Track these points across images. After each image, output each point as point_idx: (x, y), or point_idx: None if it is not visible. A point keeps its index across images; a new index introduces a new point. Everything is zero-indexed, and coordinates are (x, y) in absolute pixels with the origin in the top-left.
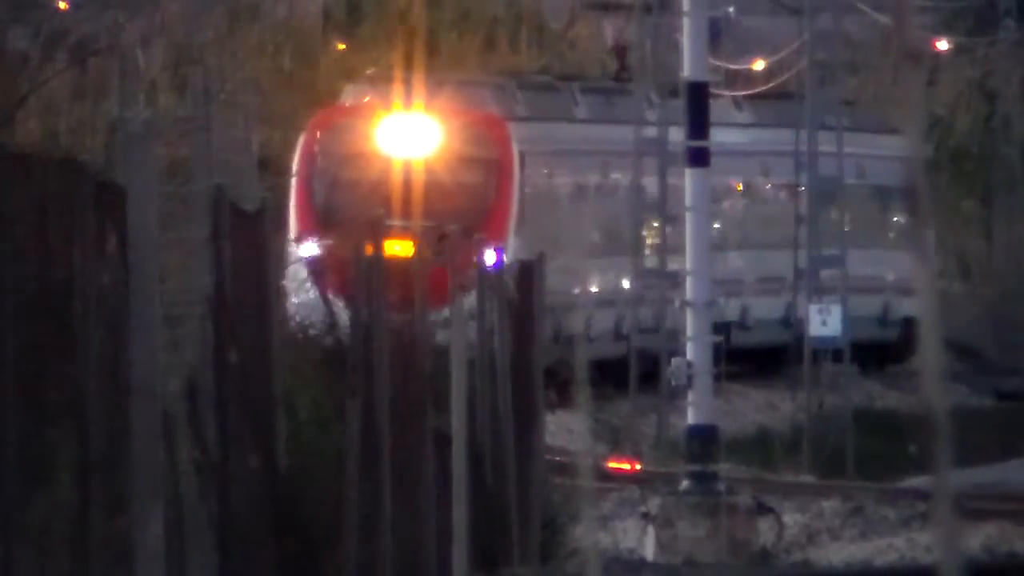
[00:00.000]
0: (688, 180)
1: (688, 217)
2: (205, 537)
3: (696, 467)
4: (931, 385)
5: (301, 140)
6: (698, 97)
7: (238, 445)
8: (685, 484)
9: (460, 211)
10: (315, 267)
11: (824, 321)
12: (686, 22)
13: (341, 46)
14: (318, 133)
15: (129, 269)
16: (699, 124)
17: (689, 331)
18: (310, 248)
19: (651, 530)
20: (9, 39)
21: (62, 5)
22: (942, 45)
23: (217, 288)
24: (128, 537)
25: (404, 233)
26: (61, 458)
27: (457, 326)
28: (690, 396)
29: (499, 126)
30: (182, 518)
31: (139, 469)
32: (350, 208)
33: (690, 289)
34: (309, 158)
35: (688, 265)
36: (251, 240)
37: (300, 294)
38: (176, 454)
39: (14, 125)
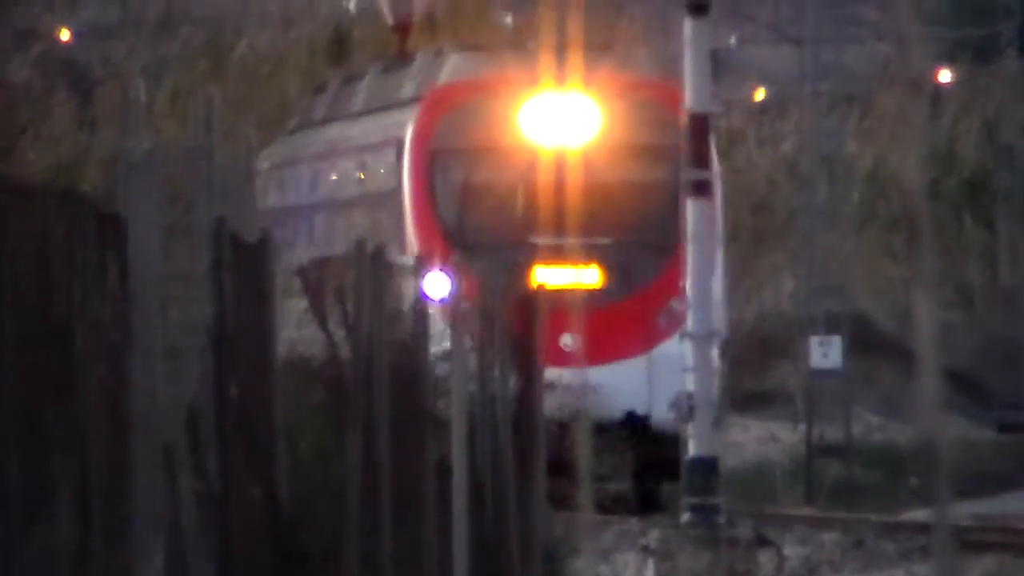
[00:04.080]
0: (690, 211)
1: (689, 248)
2: (206, 569)
3: (696, 500)
4: (931, 418)
5: (410, 130)
6: (700, 128)
7: (239, 477)
8: (685, 517)
9: (643, 221)
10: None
11: (825, 353)
12: (687, 52)
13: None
14: (438, 119)
15: (130, 300)
16: (701, 155)
17: (690, 363)
18: (440, 282)
19: (651, 563)
20: (11, 69)
21: (64, 36)
22: (944, 76)
23: (218, 320)
24: (129, 569)
25: (566, 255)
26: (63, 490)
27: (457, 358)
28: (690, 428)
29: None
30: (183, 550)
31: (140, 501)
32: (491, 222)
33: (691, 320)
34: (426, 155)
35: (690, 298)
36: (252, 271)
37: (440, 342)
38: (177, 485)
39: (15, 155)
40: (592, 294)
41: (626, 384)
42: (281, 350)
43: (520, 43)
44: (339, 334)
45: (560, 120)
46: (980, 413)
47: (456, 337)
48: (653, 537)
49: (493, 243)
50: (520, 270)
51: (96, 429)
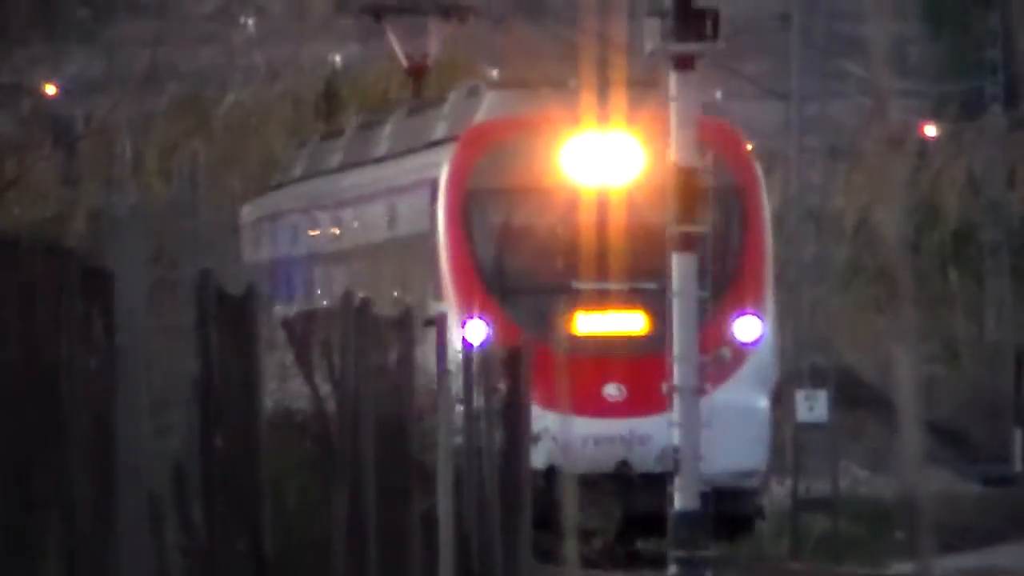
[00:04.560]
0: (675, 265)
1: (676, 302)
2: None
3: (683, 553)
4: (915, 472)
5: (445, 170)
6: (687, 182)
7: (225, 530)
8: (672, 570)
9: None
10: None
11: (811, 407)
12: (673, 107)
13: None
14: (475, 158)
15: (116, 354)
16: (688, 208)
17: (676, 417)
18: (476, 330)
19: None
20: None
21: (49, 90)
22: (929, 130)
23: (203, 373)
24: None
25: (608, 300)
26: (48, 542)
27: (444, 410)
28: (677, 482)
29: (735, 139)
30: None
31: (126, 554)
32: (530, 266)
33: (678, 375)
34: (462, 195)
35: (676, 350)
36: (238, 325)
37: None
38: (163, 539)
39: (1, 210)
40: (635, 341)
41: (668, 435)
42: (267, 403)
43: (560, 80)
44: (325, 388)
45: (602, 159)
46: (965, 467)
47: (442, 390)
48: None
49: (532, 288)
50: (560, 316)
51: (82, 482)
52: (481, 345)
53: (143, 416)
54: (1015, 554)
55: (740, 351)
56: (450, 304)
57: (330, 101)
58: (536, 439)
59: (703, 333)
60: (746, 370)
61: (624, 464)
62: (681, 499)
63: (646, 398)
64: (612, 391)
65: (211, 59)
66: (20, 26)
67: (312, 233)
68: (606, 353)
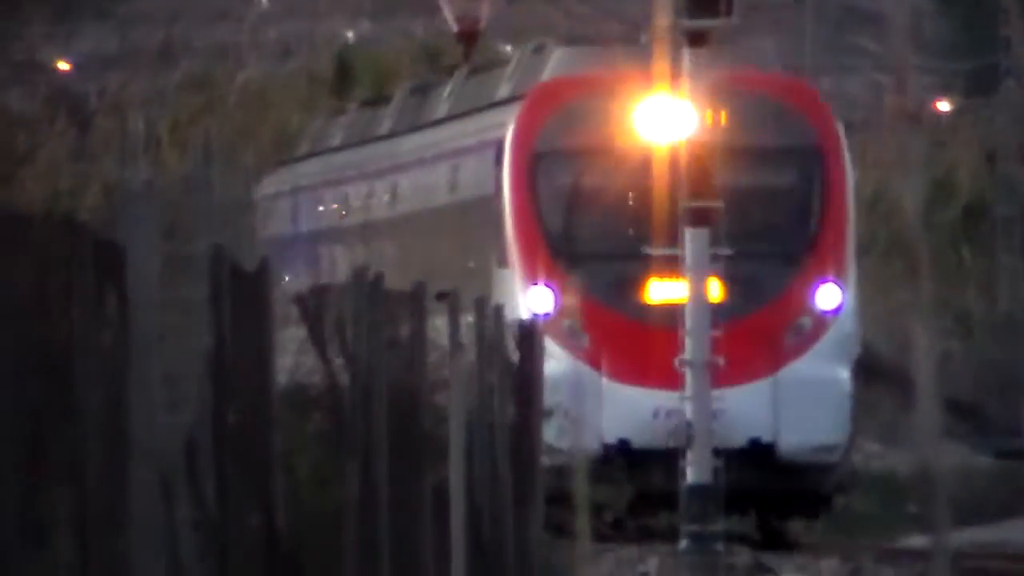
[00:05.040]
0: (688, 240)
1: (689, 277)
2: None
3: (695, 527)
4: (929, 446)
5: (510, 129)
6: (700, 157)
7: (237, 504)
8: (684, 544)
9: (768, 229)
10: (559, 325)
11: None
12: (687, 84)
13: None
14: (542, 118)
15: (128, 328)
16: (701, 184)
17: (688, 391)
18: (542, 297)
19: None
20: (9, 100)
21: (63, 66)
22: (943, 106)
23: (216, 348)
24: None
25: (682, 267)
26: (61, 518)
27: (456, 384)
28: (688, 456)
29: (816, 99)
30: None
31: (138, 529)
32: (600, 231)
33: (689, 349)
34: (528, 157)
35: (687, 325)
36: (251, 300)
37: (545, 363)
38: (175, 513)
39: (15, 185)
40: (712, 310)
41: (749, 409)
42: (280, 378)
43: (630, 38)
44: (338, 362)
45: (676, 119)
46: (979, 440)
47: (455, 364)
48: (651, 564)
49: (601, 253)
50: (631, 284)
51: (94, 457)
52: (547, 314)
53: (155, 391)
54: None
55: (820, 320)
56: (514, 270)
57: (342, 77)
58: (549, 414)
59: (781, 302)
60: (827, 340)
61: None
62: (693, 473)
63: (725, 369)
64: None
65: (224, 35)
66: (34, 2)
67: (355, 202)
68: (680, 322)
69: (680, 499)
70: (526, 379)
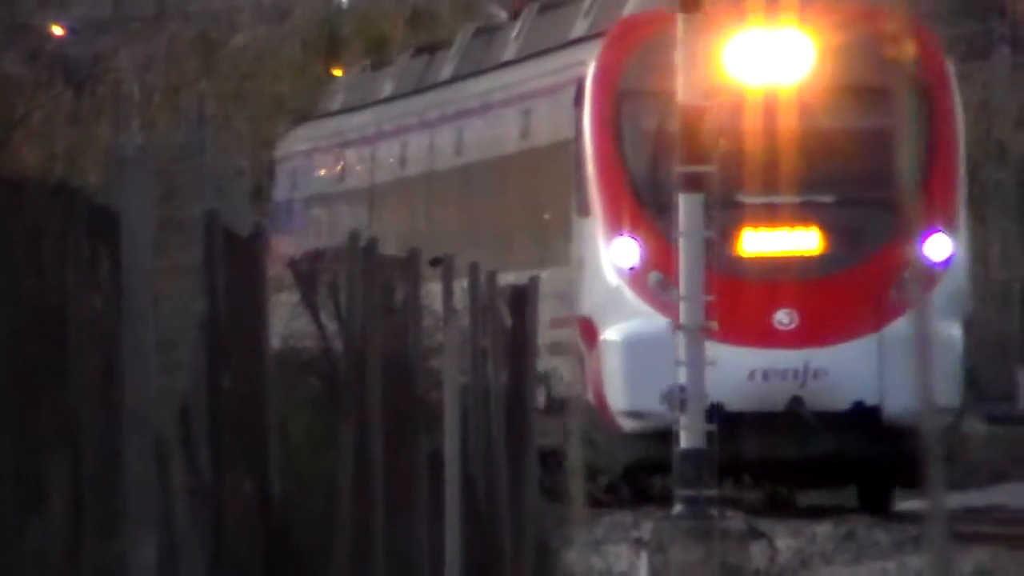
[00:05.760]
0: (682, 205)
1: (682, 242)
2: (198, 560)
3: (688, 492)
4: (923, 410)
5: (592, 67)
6: (694, 122)
7: (231, 470)
8: (678, 509)
9: (871, 174)
10: (641, 278)
11: None
12: (681, 47)
13: (338, 72)
14: (627, 56)
15: (122, 294)
16: (694, 149)
17: (681, 356)
18: (628, 249)
19: (644, 555)
20: (3, 64)
21: (57, 31)
22: None
23: (210, 313)
24: (122, 561)
25: (779, 216)
26: (55, 483)
27: (450, 349)
28: (682, 420)
29: (926, 37)
30: (175, 542)
31: (132, 494)
32: None
33: (683, 313)
34: (612, 97)
35: (681, 290)
36: (244, 265)
37: (628, 319)
38: (169, 479)
39: (8, 150)
40: (810, 262)
41: (852, 369)
42: (274, 343)
43: None
44: (331, 327)
45: (772, 56)
46: (971, 405)
47: (449, 328)
48: (645, 529)
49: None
50: (724, 234)
51: (88, 422)
52: (632, 268)
53: (150, 356)
54: (1020, 493)
55: (929, 273)
56: (596, 220)
57: (334, 43)
58: (542, 379)
59: (886, 254)
60: (936, 295)
61: (797, 401)
62: (686, 438)
63: (822, 326)
64: (783, 318)
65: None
66: None
67: (412, 154)
68: (776, 275)
69: (673, 464)
70: (518, 343)
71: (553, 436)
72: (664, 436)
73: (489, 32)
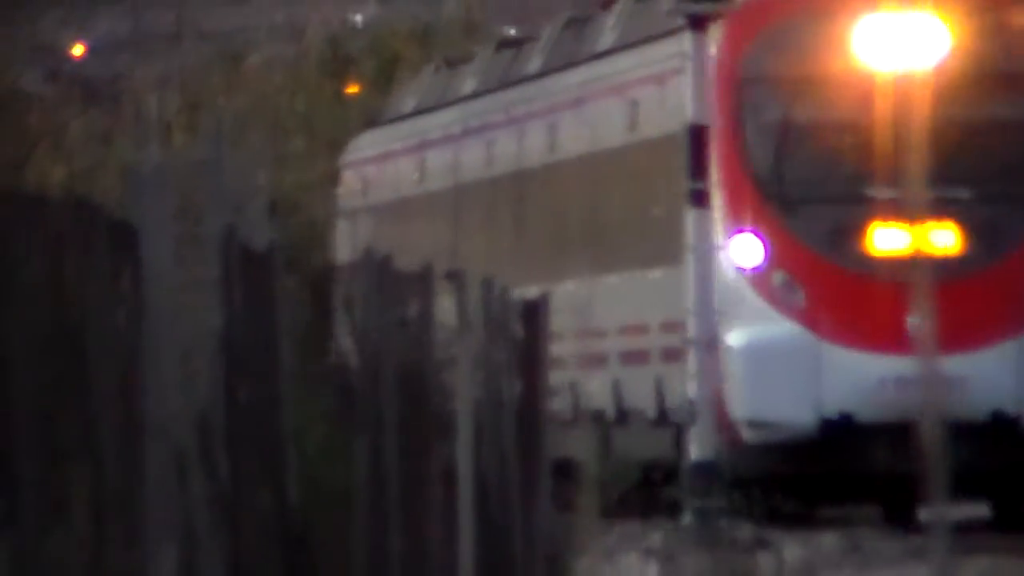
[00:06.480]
0: (690, 221)
1: (690, 258)
2: (217, 570)
3: (698, 502)
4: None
5: (717, 50)
6: (700, 139)
7: (249, 481)
8: (687, 519)
9: (1013, 168)
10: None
11: None
12: (690, 62)
13: (353, 88)
14: (748, 41)
15: (142, 308)
16: (701, 165)
17: (691, 369)
18: (751, 247)
19: (654, 564)
20: (25, 83)
21: (77, 51)
22: None
23: (227, 327)
24: (142, 572)
25: (912, 212)
26: (76, 495)
27: (464, 362)
28: (692, 432)
29: None
30: (195, 553)
31: (153, 505)
32: (815, 171)
33: (692, 327)
34: (731, 85)
35: (691, 305)
36: (261, 280)
37: (752, 323)
38: (189, 490)
39: (30, 166)
40: (947, 263)
41: (991, 376)
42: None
43: None
44: (347, 341)
45: (905, 41)
46: None
47: (464, 340)
48: (655, 539)
49: (818, 196)
50: (853, 231)
51: (108, 435)
52: (757, 267)
53: (169, 369)
54: None
55: None
56: (716, 216)
57: (347, 62)
58: (555, 392)
59: (1009, 264)
60: None
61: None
62: (697, 450)
63: (961, 331)
64: (916, 324)
65: (236, 18)
66: None
67: (501, 151)
68: (910, 276)
69: (683, 476)
70: (530, 355)
71: (663, 448)
72: (790, 449)
73: (581, 22)
